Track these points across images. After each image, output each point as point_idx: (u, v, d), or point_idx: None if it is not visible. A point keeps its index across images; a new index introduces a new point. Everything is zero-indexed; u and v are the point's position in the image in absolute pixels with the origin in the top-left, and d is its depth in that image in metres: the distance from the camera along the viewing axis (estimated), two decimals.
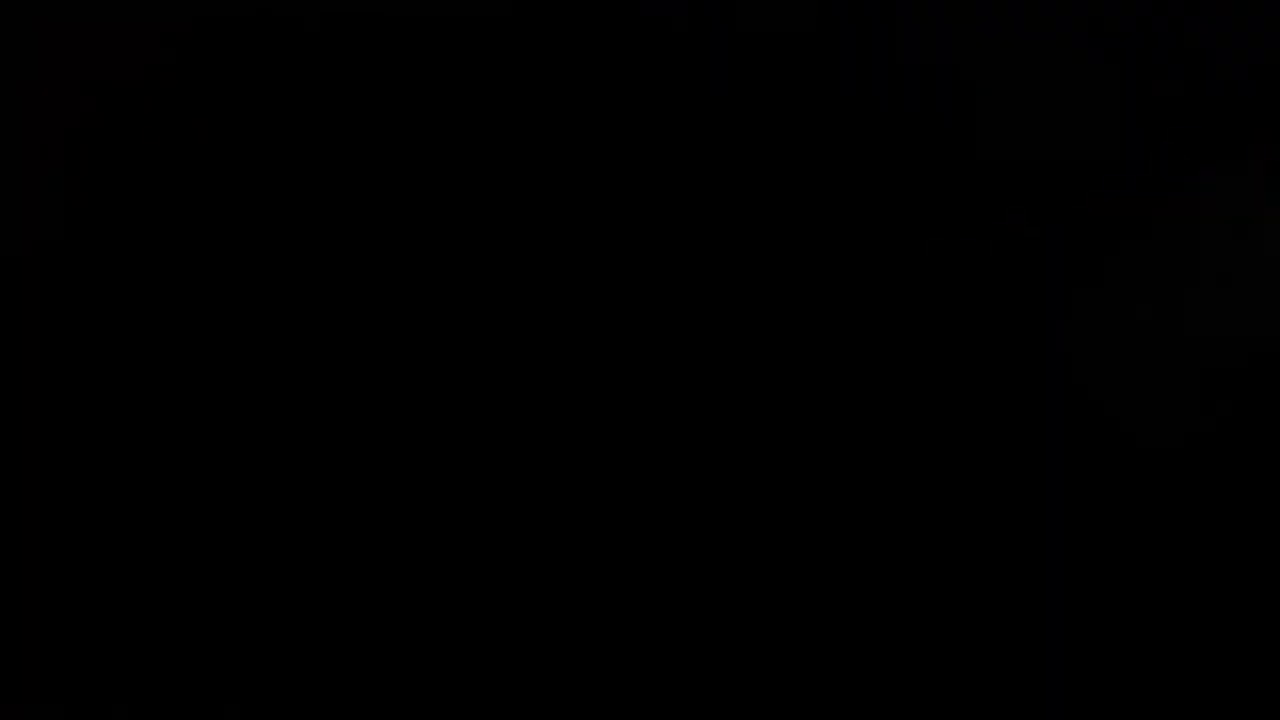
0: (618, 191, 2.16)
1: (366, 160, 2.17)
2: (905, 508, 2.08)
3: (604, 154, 2.17)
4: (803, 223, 2.15)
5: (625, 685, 2.07)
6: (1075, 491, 2.07)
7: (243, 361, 2.14)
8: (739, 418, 2.11)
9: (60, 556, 2.10)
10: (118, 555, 2.10)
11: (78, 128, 2.18)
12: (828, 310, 2.13)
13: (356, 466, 2.12)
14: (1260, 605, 2.03)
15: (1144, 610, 2.04)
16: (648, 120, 2.16)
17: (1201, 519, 2.04)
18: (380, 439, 2.12)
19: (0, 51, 2.18)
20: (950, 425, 2.09)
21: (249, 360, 2.14)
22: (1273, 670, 2.01)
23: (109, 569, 2.10)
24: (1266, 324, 2.00)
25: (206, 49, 2.18)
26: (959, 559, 2.07)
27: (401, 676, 2.08)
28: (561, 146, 2.17)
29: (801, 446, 2.10)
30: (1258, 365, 2.01)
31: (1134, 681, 2.03)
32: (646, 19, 2.16)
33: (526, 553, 2.10)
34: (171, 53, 2.18)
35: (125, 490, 2.11)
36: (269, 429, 2.13)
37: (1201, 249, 2.07)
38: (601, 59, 2.17)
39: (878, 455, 2.10)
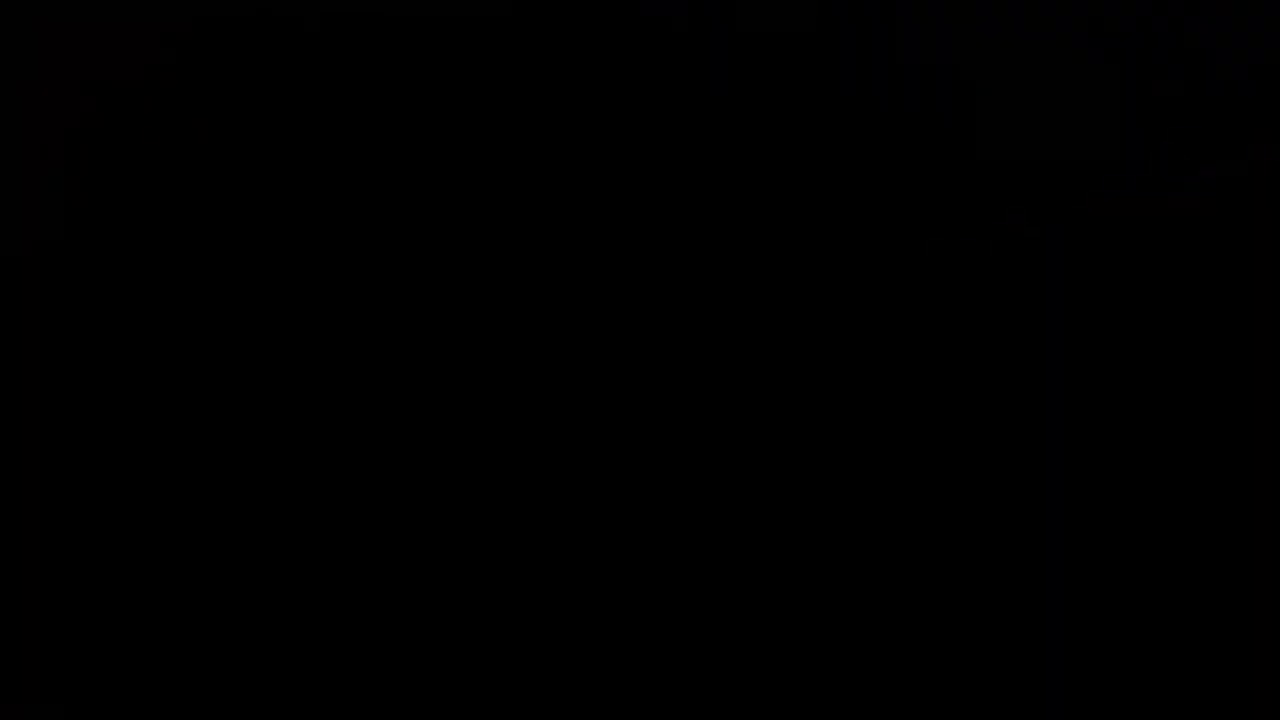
0: (618, 190, 2.16)
1: (366, 159, 2.17)
2: (905, 506, 2.08)
3: (604, 153, 2.17)
4: (803, 222, 2.15)
5: (625, 684, 2.07)
6: (1075, 491, 2.07)
7: (242, 360, 2.14)
8: (739, 416, 2.11)
9: (60, 556, 2.10)
10: (118, 555, 2.10)
11: (78, 128, 2.18)
12: (828, 309, 2.13)
13: (356, 466, 2.12)
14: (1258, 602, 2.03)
15: (1143, 609, 2.04)
16: (648, 120, 2.16)
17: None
18: (380, 438, 2.12)
19: (0, 51, 2.18)
20: (950, 425, 2.09)
21: (249, 359, 2.14)
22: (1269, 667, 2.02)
23: (109, 569, 2.10)
24: None
25: (206, 49, 2.18)
26: (959, 558, 2.07)
27: (401, 676, 2.08)
28: (562, 146, 2.17)
29: (801, 445, 2.10)
30: None
31: (1134, 681, 2.03)
32: (646, 19, 2.17)
33: (526, 552, 2.10)
34: (171, 53, 2.18)
35: (125, 490, 2.12)
36: (269, 428, 2.13)
37: None
38: (602, 59, 2.17)
39: (877, 454, 2.10)
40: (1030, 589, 2.05)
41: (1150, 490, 2.06)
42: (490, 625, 2.09)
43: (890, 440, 2.10)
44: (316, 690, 2.08)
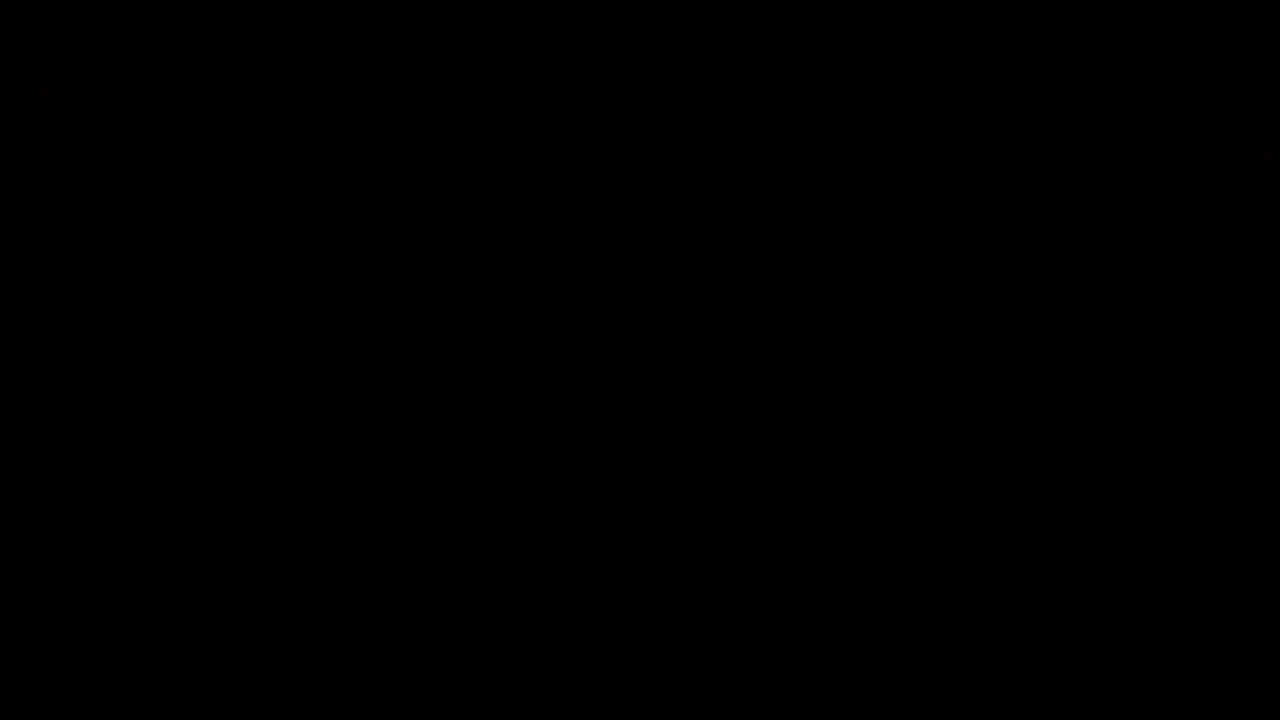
0: (618, 190, 2.16)
1: (367, 159, 2.17)
2: (905, 506, 2.08)
3: (605, 153, 2.17)
4: (803, 222, 2.15)
5: (625, 684, 2.07)
6: (1075, 491, 2.07)
7: (242, 360, 2.14)
8: (739, 415, 2.11)
9: (60, 556, 2.10)
10: (117, 555, 2.10)
11: (78, 128, 2.18)
12: (828, 309, 2.13)
13: (356, 466, 2.12)
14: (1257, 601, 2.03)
15: (1143, 609, 2.04)
16: (648, 120, 2.16)
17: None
18: (380, 439, 2.13)
19: (0, 51, 2.18)
20: (950, 424, 2.09)
21: (249, 358, 2.14)
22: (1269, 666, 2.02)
23: (109, 569, 2.10)
24: None
25: (206, 49, 2.18)
26: (959, 558, 2.07)
27: (401, 676, 2.08)
28: (562, 146, 2.17)
29: (802, 444, 2.10)
30: None
31: (1134, 681, 2.03)
32: (646, 19, 2.17)
33: (526, 553, 2.10)
34: (171, 53, 2.19)
35: (125, 490, 2.12)
36: (269, 428, 2.13)
37: None
38: (602, 59, 2.17)
39: (878, 453, 2.10)
40: (1030, 589, 2.05)
41: (1150, 490, 2.06)
42: (490, 625, 2.09)
43: (890, 440, 2.10)
44: (316, 690, 2.08)
